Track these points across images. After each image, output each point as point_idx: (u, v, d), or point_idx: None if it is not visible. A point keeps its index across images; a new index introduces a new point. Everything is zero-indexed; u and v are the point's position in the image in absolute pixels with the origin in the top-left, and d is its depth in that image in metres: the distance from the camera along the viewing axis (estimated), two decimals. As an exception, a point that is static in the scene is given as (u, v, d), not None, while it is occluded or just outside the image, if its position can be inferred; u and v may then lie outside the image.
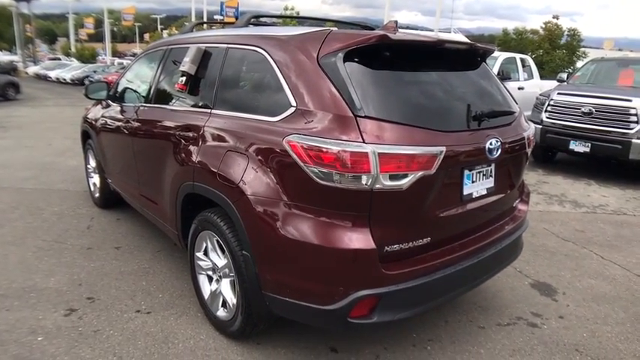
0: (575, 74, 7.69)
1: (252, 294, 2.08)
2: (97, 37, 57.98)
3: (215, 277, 2.46)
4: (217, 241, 2.35)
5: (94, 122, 4.04)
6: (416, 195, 1.83)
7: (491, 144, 2.07)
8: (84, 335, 2.42)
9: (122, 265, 3.25)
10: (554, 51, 24.74)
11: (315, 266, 1.83)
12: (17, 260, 3.27)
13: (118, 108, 3.57)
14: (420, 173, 1.78)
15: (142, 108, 3.11)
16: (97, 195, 4.40)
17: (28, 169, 5.77)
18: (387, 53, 1.92)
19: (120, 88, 3.72)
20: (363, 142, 1.70)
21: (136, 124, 3.10)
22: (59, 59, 38.44)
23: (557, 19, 26.67)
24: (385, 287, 1.81)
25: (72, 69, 26.27)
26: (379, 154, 1.69)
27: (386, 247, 1.82)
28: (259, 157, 1.98)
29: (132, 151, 3.23)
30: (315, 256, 1.82)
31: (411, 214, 1.89)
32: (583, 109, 5.96)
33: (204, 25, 3.76)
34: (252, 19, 2.66)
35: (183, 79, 2.57)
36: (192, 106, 2.56)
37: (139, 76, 3.47)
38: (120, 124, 3.44)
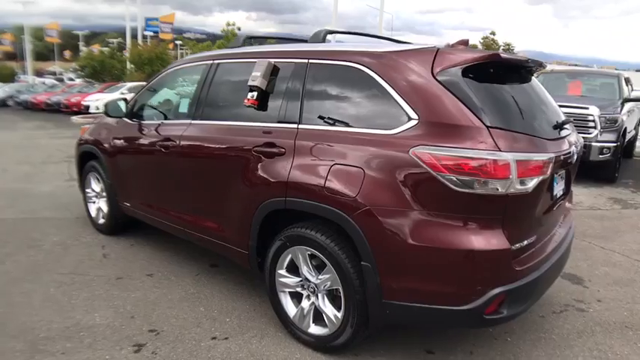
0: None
1: (372, 304, 2.08)
2: (9, 55, 52.83)
3: (305, 293, 2.41)
4: (310, 256, 2.32)
5: (104, 143, 3.75)
6: (534, 197, 1.98)
7: (572, 149, 2.30)
8: (169, 370, 2.25)
9: (167, 293, 3.04)
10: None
11: (452, 269, 1.89)
12: (42, 298, 2.93)
13: (145, 126, 3.37)
14: (541, 177, 1.94)
15: (189, 126, 2.96)
16: (103, 221, 4.06)
17: (-3, 199, 5.16)
18: (491, 69, 2.07)
19: (145, 106, 3.51)
20: (499, 150, 1.82)
21: (183, 142, 2.95)
22: (-32, 78, 34.47)
23: (494, 34, 29.31)
24: (515, 283, 1.93)
25: (-12, 89, 23.70)
26: (516, 160, 1.83)
27: (512, 246, 1.94)
28: (378, 169, 2.00)
29: (174, 172, 3.06)
30: (452, 260, 1.88)
31: (528, 215, 2.03)
32: None
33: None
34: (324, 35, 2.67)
35: (255, 94, 2.51)
36: (268, 121, 2.51)
37: (173, 93, 3.31)
38: (151, 143, 3.24)
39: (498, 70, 2.13)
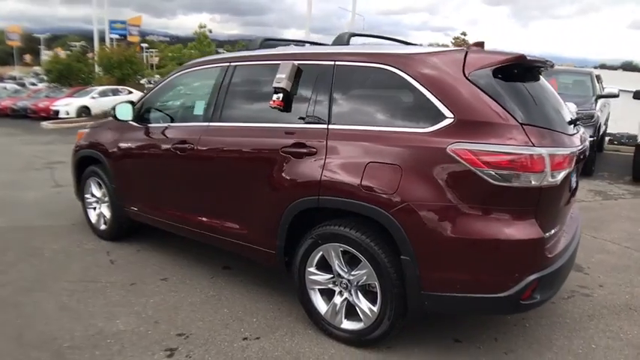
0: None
1: (411, 296, 2.14)
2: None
3: (337, 290, 2.45)
4: (343, 252, 2.37)
5: (108, 147, 3.66)
6: (561, 189, 2.10)
7: (585, 144, 2.45)
8: (206, 371, 2.24)
9: (186, 297, 3.00)
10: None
11: (491, 259, 1.98)
12: (56, 307, 2.84)
13: (154, 129, 3.32)
14: (567, 170, 2.06)
15: (207, 128, 2.93)
16: (104, 227, 3.96)
17: (-18, 208, 4.92)
18: (515, 70, 2.18)
19: (154, 109, 3.44)
20: (534, 145, 1.93)
21: (200, 145, 2.91)
22: None
23: (465, 35, 30.61)
24: (547, 269, 2.04)
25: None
26: (549, 155, 1.94)
27: (543, 235, 2.05)
28: (416, 166, 2.07)
29: (190, 174, 3.02)
30: (491, 250, 1.97)
31: (555, 205, 2.14)
32: None
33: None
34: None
35: (280, 95, 2.53)
36: (293, 122, 2.53)
37: (185, 95, 3.27)
38: (164, 146, 3.19)
39: (519, 70, 2.24)
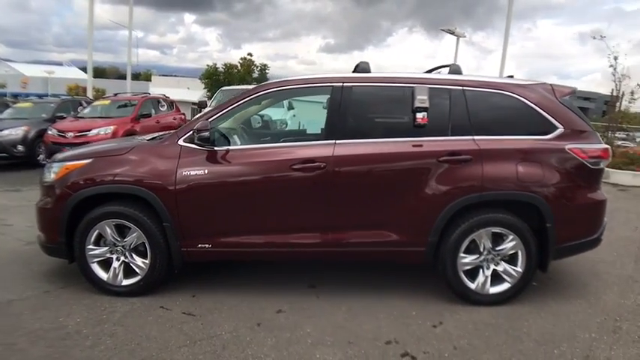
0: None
1: (551, 251, 3.07)
2: None
3: (486, 265, 3.10)
4: (492, 233, 3.06)
5: (161, 179, 2.94)
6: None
7: None
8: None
9: (330, 317, 2.93)
10: (252, 83, 29.14)
11: (594, 214, 3.15)
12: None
13: (248, 151, 3.02)
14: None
15: (335, 145, 2.96)
16: (129, 281, 3.10)
17: None
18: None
19: (231, 130, 3.04)
20: (603, 143, 3.21)
21: (337, 161, 2.95)
22: None
23: (251, 55, 33.67)
24: (605, 219, 3.37)
25: None
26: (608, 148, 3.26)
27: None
28: (550, 161, 3.00)
29: (322, 192, 2.97)
30: (594, 208, 3.14)
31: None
32: None
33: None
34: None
35: (425, 114, 2.99)
36: (440, 135, 3.02)
37: (281, 114, 3.08)
38: (276, 167, 2.99)
39: None
